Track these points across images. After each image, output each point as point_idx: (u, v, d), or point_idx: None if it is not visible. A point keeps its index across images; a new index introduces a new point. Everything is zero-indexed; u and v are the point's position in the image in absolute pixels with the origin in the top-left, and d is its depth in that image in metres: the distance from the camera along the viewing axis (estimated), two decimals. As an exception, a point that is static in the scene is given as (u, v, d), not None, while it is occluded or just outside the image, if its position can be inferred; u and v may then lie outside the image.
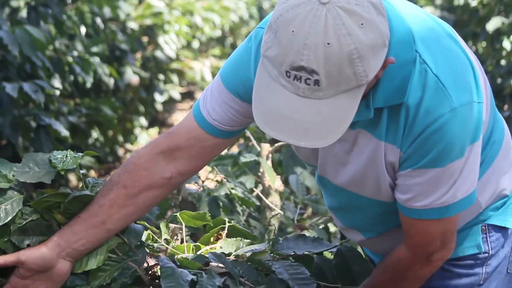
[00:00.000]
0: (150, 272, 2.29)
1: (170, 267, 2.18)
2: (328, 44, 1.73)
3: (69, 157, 2.24)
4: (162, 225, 2.60)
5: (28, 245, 2.12)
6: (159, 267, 2.29)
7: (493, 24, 7.44)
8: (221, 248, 2.55)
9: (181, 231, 2.66)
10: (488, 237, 2.19)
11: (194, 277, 2.18)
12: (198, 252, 2.51)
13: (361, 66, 1.75)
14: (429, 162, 1.93)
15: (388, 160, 2.00)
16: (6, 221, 2.11)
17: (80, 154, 2.27)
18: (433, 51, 1.93)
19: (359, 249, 2.54)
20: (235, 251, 2.52)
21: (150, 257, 2.31)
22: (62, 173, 2.23)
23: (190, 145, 2.17)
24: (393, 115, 1.96)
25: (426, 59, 1.92)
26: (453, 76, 1.92)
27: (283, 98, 1.80)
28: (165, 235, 2.58)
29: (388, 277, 2.14)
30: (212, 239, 2.63)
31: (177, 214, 2.66)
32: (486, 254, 2.19)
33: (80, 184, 2.32)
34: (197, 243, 2.61)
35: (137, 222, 2.90)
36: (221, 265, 2.37)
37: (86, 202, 2.20)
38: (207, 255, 2.41)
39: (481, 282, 2.20)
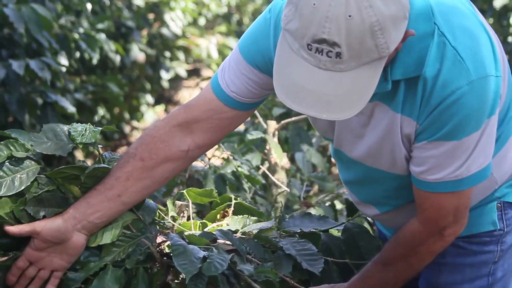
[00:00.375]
0: (157, 249, 2.30)
1: (182, 245, 2.18)
2: (349, 16, 1.73)
3: (88, 131, 2.23)
4: (169, 203, 2.60)
5: (44, 216, 2.12)
6: (167, 244, 2.30)
7: (501, 0, 7.41)
8: (227, 225, 2.56)
9: (187, 208, 2.67)
10: (503, 214, 2.19)
11: (205, 253, 2.18)
12: (205, 229, 2.51)
13: (383, 38, 1.76)
14: (445, 134, 1.93)
15: (404, 133, 2.00)
16: (20, 189, 2.11)
17: (99, 128, 2.25)
18: (451, 24, 1.93)
19: (366, 225, 2.54)
20: (241, 228, 2.52)
21: (159, 234, 2.32)
22: (80, 146, 2.21)
23: (208, 118, 2.17)
24: (410, 88, 1.96)
25: (444, 31, 1.92)
26: (471, 49, 1.92)
27: (305, 71, 1.80)
28: (172, 212, 2.59)
29: (400, 251, 2.14)
30: (218, 216, 2.64)
31: (184, 191, 2.67)
32: (501, 232, 2.19)
33: (88, 161, 2.32)
34: (204, 220, 2.62)
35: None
36: (228, 242, 2.37)
37: (102, 176, 2.19)
38: (214, 232, 2.42)
39: (496, 260, 2.20)
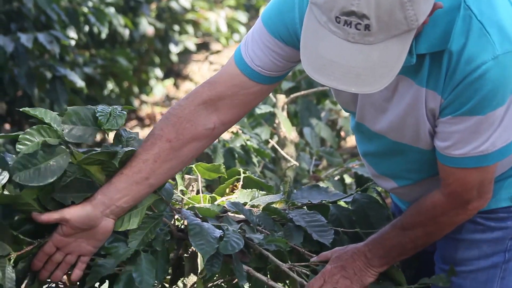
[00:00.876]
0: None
1: (198, 224, 2.16)
2: None
3: (113, 116, 2.15)
4: (178, 177, 2.60)
5: (73, 202, 2.09)
6: (176, 217, 2.30)
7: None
8: (236, 198, 2.56)
9: (196, 182, 2.67)
10: None
11: (221, 232, 2.17)
12: (214, 203, 2.51)
13: (412, 10, 1.74)
14: (470, 109, 1.92)
15: (428, 107, 1.99)
16: (53, 179, 2.03)
17: (125, 112, 2.17)
18: None
19: (375, 195, 2.53)
20: (250, 201, 2.53)
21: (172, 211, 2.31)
22: (107, 131, 2.14)
23: (233, 94, 2.15)
24: (435, 61, 1.95)
25: (470, 5, 1.90)
26: (497, 23, 1.90)
27: (333, 44, 1.78)
28: (180, 187, 2.59)
29: (420, 219, 2.12)
30: (227, 190, 2.64)
31: (193, 166, 2.67)
32: None
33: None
34: (213, 194, 2.62)
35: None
36: (238, 215, 2.38)
37: (127, 159, 2.14)
38: (224, 204, 2.42)
39: None
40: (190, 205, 2.44)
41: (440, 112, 1.98)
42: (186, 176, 2.66)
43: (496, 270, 2.18)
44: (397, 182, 2.24)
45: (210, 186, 3.18)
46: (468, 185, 2.03)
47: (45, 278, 2.10)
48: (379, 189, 2.56)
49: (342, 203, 2.54)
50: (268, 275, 2.28)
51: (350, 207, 2.48)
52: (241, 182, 2.64)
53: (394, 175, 2.24)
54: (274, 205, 2.49)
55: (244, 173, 2.66)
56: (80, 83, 5.83)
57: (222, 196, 2.61)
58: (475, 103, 1.91)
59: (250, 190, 2.58)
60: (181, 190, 2.59)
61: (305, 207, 2.48)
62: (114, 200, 2.09)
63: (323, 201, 2.49)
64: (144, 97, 9.12)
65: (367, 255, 2.18)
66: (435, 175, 2.13)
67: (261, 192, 2.59)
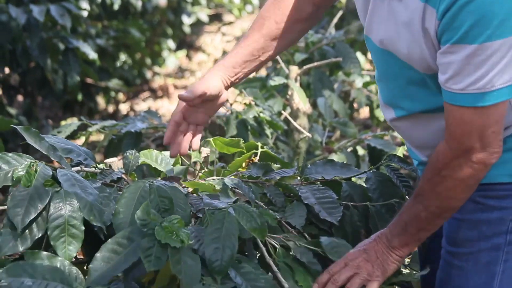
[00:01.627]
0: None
1: None
2: None
3: None
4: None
5: None
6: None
7: None
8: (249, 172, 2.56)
9: (208, 154, 2.67)
10: None
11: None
12: (228, 176, 2.50)
13: None
14: (464, 35, 1.90)
15: (425, 25, 1.98)
16: None
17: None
18: None
19: (385, 171, 2.52)
20: (263, 174, 2.52)
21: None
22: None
23: None
24: None
25: None
26: None
27: None
28: (195, 159, 2.59)
29: (427, 176, 2.10)
30: (244, 164, 2.63)
31: (210, 139, 2.66)
32: None
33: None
34: (228, 168, 2.61)
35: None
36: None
37: None
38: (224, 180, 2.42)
39: None
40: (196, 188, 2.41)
41: (439, 40, 1.98)
42: (203, 149, 2.65)
43: (498, 252, 2.16)
44: (396, 112, 2.24)
45: (223, 158, 3.17)
46: (466, 126, 2.01)
47: (175, 153, 2.35)
48: (395, 165, 2.54)
49: (354, 179, 2.53)
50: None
51: (363, 185, 2.47)
52: (257, 157, 2.63)
53: (392, 103, 2.25)
54: (287, 180, 2.48)
55: (261, 147, 2.66)
56: (93, 55, 5.83)
57: (237, 170, 2.60)
58: (468, 29, 1.90)
59: (263, 163, 2.58)
60: (194, 162, 2.59)
61: (318, 182, 2.47)
62: (231, 75, 2.37)
63: (336, 177, 2.49)
64: (156, 68, 9.11)
65: (387, 236, 2.17)
66: (430, 111, 2.13)
67: (275, 166, 2.58)
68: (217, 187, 2.36)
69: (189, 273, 1.90)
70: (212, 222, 2.06)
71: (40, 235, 2.00)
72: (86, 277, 1.93)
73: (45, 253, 1.95)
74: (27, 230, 2.00)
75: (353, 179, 2.52)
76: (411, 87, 2.17)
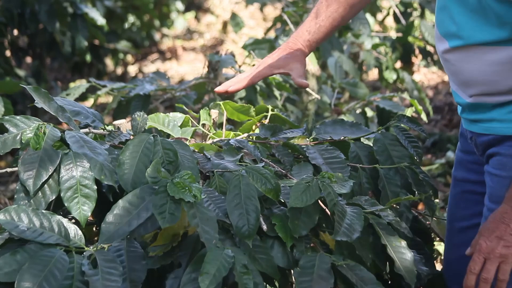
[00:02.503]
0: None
1: None
2: None
3: None
4: (203, 112, 2.59)
5: None
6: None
7: None
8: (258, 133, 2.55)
9: (216, 117, 2.66)
10: None
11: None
12: (237, 138, 2.50)
13: None
14: None
15: None
16: None
17: None
18: None
19: (394, 132, 2.51)
20: (271, 135, 2.52)
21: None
22: None
23: None
24: None
25: None
26: None
27: None
28: (204, 121, 2.58)
29: None
30: (254, 127, 2.63)
31: (221, 103, 2.65)
32: None
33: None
34: (237, 132, 2.61)
35: (176, 104, 2.91)
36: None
37: None
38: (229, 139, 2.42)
39: None
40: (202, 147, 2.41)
41: None
42: (212, 111, 2.64)
43: None
44: (450, 42, 2.21)
45: (232, 120, 3.16)
46: None
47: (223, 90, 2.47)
48: (404, 126, 2.53)
49: (363, 140, 2.53)
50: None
51: (372, 146, 2.47)
52: (267, 120, 2.63)
53: (450, 33, 2.21)
54: (295, 140, 2.48)
55: (272, 110, 2.65)
56: (101, 20, 5.81)
57: (248, 132, 2.60)
58: None
59: (272, 124, 2.57)
60: (203, 124, 2.58)
61: (327, 143, 2.47)
62: (309, 39, 2.48)
63: (345, 138, 2.48)
64: (165, 30, 9.08)
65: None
66: (488, 43, 2.11)
67: (284, 127, 2.58)
68: (224, 148, 2.37)
69: (207, 226, 1.90)
70: (230, 189, 2.05)
71: (53, 197, 2.01)
72: (96, 238, 1.94)
73: (45, 210, 1.96)
74: (40, 193, 2.00)
75: (361, 139, 2.52)
76: (475, 16, 2.13)
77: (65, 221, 1.94)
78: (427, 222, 2.58)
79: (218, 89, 2.45)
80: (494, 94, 2.16)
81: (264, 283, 1.98)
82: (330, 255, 2.07)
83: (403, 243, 2.17)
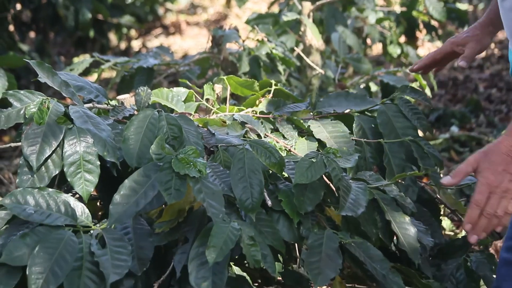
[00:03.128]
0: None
1: None
2: None
3: None
4: (206, 87, 2.59)
5: None
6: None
7: None
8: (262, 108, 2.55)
9: (220, 92, 2.66)
10: None
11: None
12: (241, 113, 2.50)
13: None
14: None
15: None
16: None
17: None
18: None
19: (401, 105, 2.50)
20: (275, 110, 2.52)
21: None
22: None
23: None
24: None
25: None
26: None
27: None
28: (208, 96, 2.58)
29: None
30: (257, 102, 2.62)
31: (224, 77, 2.65)
32: None
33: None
34: (241, 106, 2.61)
35: (180, 80, 2.91)
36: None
37: None
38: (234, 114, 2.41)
39: None
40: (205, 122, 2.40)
41: None
42: (216, 86, 2.64)
43: None
44: None
45: (235, 95, 3.16)
46: None
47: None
48: (407, 97, 2.53)
49: (367, 113, 2.52)
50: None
51: (377, 119, 2.46)
52: (271, 95, 2.62)
53: None
54: (299, 115, 2.48)
55: (275, 85, 2.64)
56: (105, -5, 5.79)
57: (251, 107, 2.59)
58: None
59: (276, 99, 2.57)
60: (207, 99, 2.58)
61: (331, 117, 2.47)
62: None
63: (350, 111, 2.48)
64: (168, 4, 9.04)
65: None
66: None
67: (287, 101, 2.57)
68: (228, 122, 2.36)
69: (213, 201, 1.91)
70: (234, 163, 2.06)
71: (56, 172, 2.01)
72: (100, 213, 1.95)
73: (51, 189, 1.96)
74: (43, 168, 2.00)
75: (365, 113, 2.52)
76: None
77: (71, 200, 1.94)
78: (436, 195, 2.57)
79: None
80: None
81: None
82: (337, 233, 2.08)
83: (407, 219, 2.17)
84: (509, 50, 2.24)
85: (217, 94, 2.65)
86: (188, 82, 2.70)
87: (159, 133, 2.08)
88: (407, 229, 2.16)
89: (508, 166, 2.03)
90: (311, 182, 2.06)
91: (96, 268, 1.81)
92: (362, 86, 4.16)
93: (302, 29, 4.18)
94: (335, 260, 2.00)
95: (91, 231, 1.90)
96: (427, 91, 3.88)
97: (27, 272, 1.74)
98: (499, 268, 2.11)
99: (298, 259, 2.29)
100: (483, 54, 6.45)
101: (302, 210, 2.06)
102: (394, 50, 4.89)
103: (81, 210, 1.94)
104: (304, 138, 2.40)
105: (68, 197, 1.95)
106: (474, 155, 2.04)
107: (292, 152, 2.32)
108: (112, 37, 7.61)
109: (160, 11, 8.77)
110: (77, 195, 2.02)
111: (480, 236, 1.98)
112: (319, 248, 2.02)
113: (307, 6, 4.25)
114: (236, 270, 2.15)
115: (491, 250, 2.73)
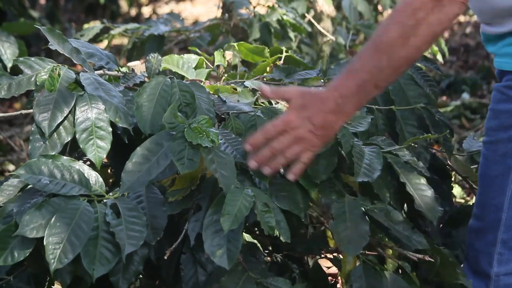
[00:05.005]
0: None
1: None
2: None
3: None
4: (217, 54, 2.58)
5: None
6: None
7: None
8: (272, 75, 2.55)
9: (230, 59, 2.65)
10: None
11: None
12: (252, 79, 2.49)
13: None
14: None
15: None
16: None
17: None
18: None
19: (410, 71, 2.49)
20: (285, 77, 2.51)
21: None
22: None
23: None
24: None
25: None
26: None
27: None
28: (218, 63, 2.57)
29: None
30: (268, 69, 2.61)
31: (235, 44, 2.64)
32: None
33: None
34: (251, 73, 2.60)
35: (189, 48, 2.90)
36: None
37: None
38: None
39: None
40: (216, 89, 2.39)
41: None
42: (227, 53, 2.63)
43: None
44: None
45: (246, 62, 3.15)
46: None
47: None
48: (419, 64, 2.52)
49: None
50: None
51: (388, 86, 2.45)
52: (281, 61, 2.61)
53: None
54: (310, 82, 2.47)
55: (286, 52, 2.63)
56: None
57: (261, 74, 2.59)
58: None
59: (286, 66, 2.56)
60: (217, 66, 2.58)
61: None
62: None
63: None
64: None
65: (338, 101, 1.95)
66: None
67: (298, 69, 2.56)
68: (239, 89, 2.36)
69: (225, 171, 1.90)
70: (246, 130, 2.05)
71: (69, 139, 2.01)
72: (111, 180, 1.95)
73: (65, 157, 1.96)
74: (55, 135, 2.00)
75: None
76: None
77: (85, 168, 1.95)
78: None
79: None
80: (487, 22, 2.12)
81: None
82: (356, 199, 2.06)
83: (423, 180, 2.15)
84: (481, 33, 2.25)
85: (227, 60, 2.64)
86: (197, 50, 2.69)
87: (171, 100, 2.08)
88: (423, 189, 2.14)
89: (315, 118, 1.95)
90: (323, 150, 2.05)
91: (112, 238, 1.82)
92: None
93: (312, -5, 4.17)
94: (362, 227, 1.98)
95: (105, 200, 1.90)
96: (439, 57, 3.86)
97: (44, 243, 1.75)
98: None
99: (308, 227, 2.30)
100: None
101: (317, 179, 2.04)
102: (406, 17, 4.87)
103: (95, 179, 1.95)
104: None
105: (82, 166, 1.95)
106: (302, 90, 2.00)
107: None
108: (123, 3, 7.59)
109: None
110: (88, 162, 2.03)
111: (261, 167, 1.96)
112: (343, 216, 2.00)
113: (318, -28, 4.22)
114: (247, 237, 2.15)
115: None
